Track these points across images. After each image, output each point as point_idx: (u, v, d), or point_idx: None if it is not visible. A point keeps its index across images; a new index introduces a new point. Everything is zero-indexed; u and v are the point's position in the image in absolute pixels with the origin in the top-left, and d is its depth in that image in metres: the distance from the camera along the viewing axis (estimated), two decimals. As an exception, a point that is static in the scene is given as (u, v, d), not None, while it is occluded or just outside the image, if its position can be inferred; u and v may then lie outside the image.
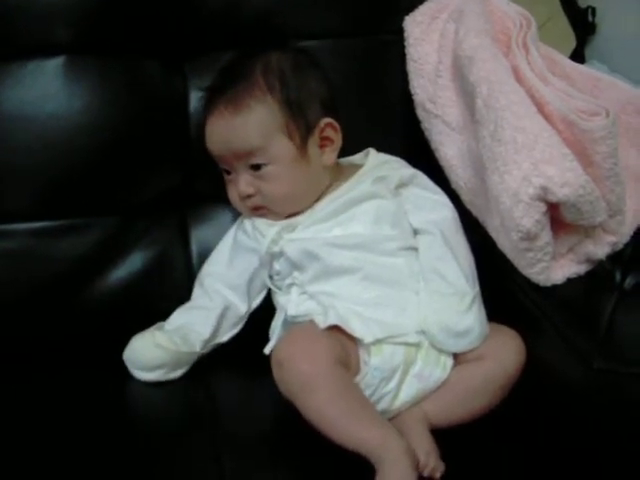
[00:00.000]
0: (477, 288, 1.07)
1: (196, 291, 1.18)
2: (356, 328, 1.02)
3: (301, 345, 0.99)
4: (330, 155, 1.14)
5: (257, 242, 1.14)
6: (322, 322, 1.02)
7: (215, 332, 1.14)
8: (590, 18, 1.45)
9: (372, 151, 1.19)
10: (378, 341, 1.02)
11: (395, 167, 1.17)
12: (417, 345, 1.04)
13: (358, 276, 1.08)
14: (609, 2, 1.47)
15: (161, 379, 1.12)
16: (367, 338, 1.01)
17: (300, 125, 1.11)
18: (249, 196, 1.12)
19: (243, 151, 1.10)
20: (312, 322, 1.03)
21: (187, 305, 1.17)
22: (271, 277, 1.14)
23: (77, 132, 1.16)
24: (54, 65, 1.14)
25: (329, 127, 1.14)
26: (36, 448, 1.00)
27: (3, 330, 1.17)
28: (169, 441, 1.03)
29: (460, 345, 1.04)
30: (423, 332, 1.05)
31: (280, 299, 1.13)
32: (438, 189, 1.16)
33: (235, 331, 1.17)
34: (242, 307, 1.16)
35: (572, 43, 1.43)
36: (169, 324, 1.15)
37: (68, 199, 1.17)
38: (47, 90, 1.15)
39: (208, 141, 1.14)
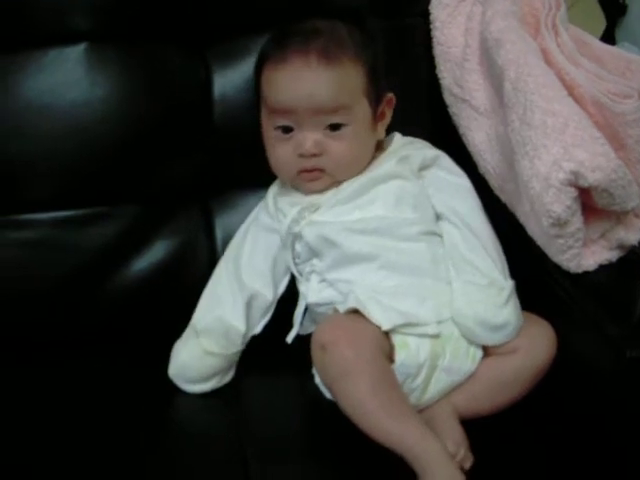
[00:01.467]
0: (511, 281, 1.05)
1: (217, 278, 1.14)
2: (375, 314, 0.99)
3: (346, 330, 0.97)
4: (382, 130, 1.14)
5: (279, 222, 1.12)
6: (341, 307, 1.01)
7: (248, 324, 1.11)
8: (620, -1, 1.42)
9: (397, 134, 1.17)
10: (397, 328, 0.99)
11: (419, 147, 1.16)
12: (439, 337, 1.01)
13: (376, 264, 1.06)
14: (640, -18, 1.44)
15: (217, 386, 1.10)
16: (385, 325, 0.98)
17: (375, 93, 1.10)
18: (313, 155, 1.08)
19: (329, 107, 1.06)
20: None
21: (210, 296, 1.13)
22: (294, 261, 1.12)
23: (99, 120, 1.15)
24: (75, 53, 1.14)
25: (389, 102, 1.13)
26: (57, 442, 1.01)
27: (26, 320, 1.17)
28: (195, 442, 1.02)
29: (496, 339, 1.02)
30: (444, 322, 1.02)
31: (301, 287, 1.11)
32: (461, 172, 1.14)
33: (265, 320, 1.13)
34: (268, 294, 1.12)
35: (602, 24, 1.40)
36: (202, 323, 1.11)
37: (90, 188, 1.17)
38: (69, 78, 1.14)
39: (281, 91, 1.07)
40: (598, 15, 1.40)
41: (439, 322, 1.02)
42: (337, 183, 1.10)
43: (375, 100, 1.11)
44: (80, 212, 1.17)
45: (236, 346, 1.10)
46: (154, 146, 1.17)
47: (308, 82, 1.06)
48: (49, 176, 1.15)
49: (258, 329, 1.13)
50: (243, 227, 1.17)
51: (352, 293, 1.02)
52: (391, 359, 0.99)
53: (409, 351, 0.99)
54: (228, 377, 1.12)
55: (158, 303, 1.20)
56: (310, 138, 1.07)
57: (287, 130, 1.08)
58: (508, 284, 1.04)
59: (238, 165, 1.19)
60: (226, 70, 1.18)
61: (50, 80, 1.13)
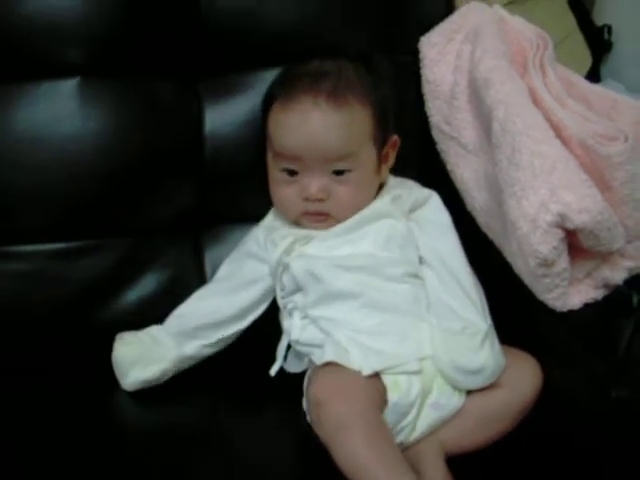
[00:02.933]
0: (489, 321, 1.05)
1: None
2: (354, 360, 0.99)
3: (339, 385, 0.97)
4: (385, 172, 1.15)
5: (268, 253, 1.12)
6: (319, 359, 1.01)
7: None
8: (606, 36, 1.44)
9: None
10: (378, 372, 1.00)
11: (410, 186, 1.16)
12: (421, 372, 1.02)
13: (359, 302, 1.06)
14: (625, 20, 1.46)
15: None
16: (365, 370, 0.98)
17: (381, 136, 1.11)
18: (318, 200, 1.08)
19: (336, 155, 1.06)
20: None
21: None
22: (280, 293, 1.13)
23: (90, 154, 1.15)
24: (69, 86, 1.14)
25: (394, 144, 1.14)
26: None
27: (14, 352, 1.17)
28: (181, 464, 1.02)
29: (474, 383, 1.03)
30: (427, 358, 1.03)
31: (284, 322, 1.11)
32: (446, 211, 1.14)
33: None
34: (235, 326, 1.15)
35: (588, 61, 1.42)
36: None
37: (82, 221, 1.17)
38: (61, 111, 1.14)
39: (287, 135, 1.06)
40: (585, 52, 1.42)
41: (421, 359, 1.03)
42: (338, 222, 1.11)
43: (381, 143, 1.11)
44: (71, 245, 1.17)
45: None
46: (145, 180, 1.18)
47: (316, 126, 1.05)
48: (40, 209, 1.15)
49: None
50: (232, 253, 1.17)
51: (331, 342, 1.03)
52: (384, 400, 0.99)
53: (401, 391, 1.00)
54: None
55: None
56: (316, 183, 1.07)
57: (292, 173, 1.09)
58: (483, 326, 1.04)
59: (228, 201, 1.20)
60: (218, 106, 1.18)
61: (43, 113, 1.14)
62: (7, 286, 1.16)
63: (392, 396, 0.99)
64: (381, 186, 1.15)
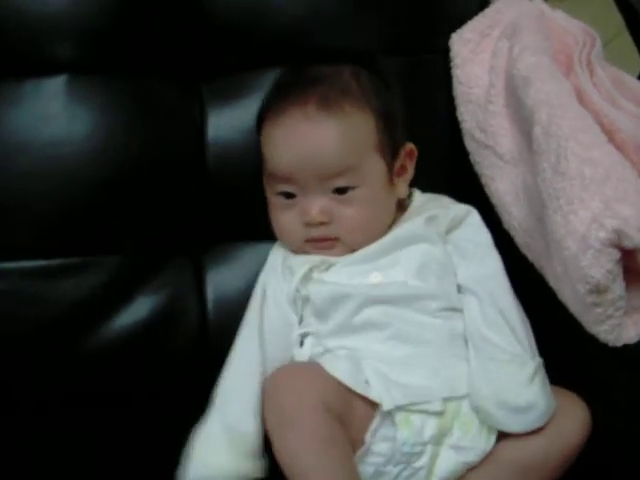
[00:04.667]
0: (538, 358, 0.93)
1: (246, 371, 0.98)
2: (374, 393, 0.89)
3: (292, 379, 0.90)
4: (403, 186, 1.03)
5: (285, 282, 1.00)
6: (329, 367, 0.91)
7: None
8: (658, 40, 1.32)
9: (416, 191, 1.07)
10: (398, 408, 0.89)
11: (445, 204, 1.05)
12: (443, 414, 0.91)
13: (386, 334, 0.95)
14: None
15: None
16: (386, 405, 0.89)
17: (390, 146, 1.00)
18: (321, 224, 0.97)
19: (333, 170, 0.95)
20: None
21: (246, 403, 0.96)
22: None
23: (79, 160, 1.04)
24: (54, 85, 1.03)
25: (410, 154, 1.03)
26: None
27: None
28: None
29: (520, 423, 0.90)
30: (454, 399, 0.92)
31: (292, 351, 0.99)
32: (487, 230, 1.03)
33: None
34: None
35: (638, 65, 1.30)
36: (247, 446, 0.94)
37: (67, 235, 1.05)
38: (46, 113, 1.03)
39: (278, 153, 0.97)
40: (634, 55, 1.31)
41: (447, 398, 0.92)
42: (353, 250, 0.99)
43: (391, 153, 1.00)
44: (53, 262, 1.05)
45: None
46: (139, 190, 1.06)
47: (307, 140, 0.95)
48: (20, 221, 1.03)
49: None
50: (254, 306, 1.02)
51: (352, 359, 0.93)
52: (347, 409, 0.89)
53: (412, 428, 0.90)
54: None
55: (141, 366, 1.07)
56: (316, 205, 0.97)
57: (290, 196, 0.98)
58: (535, 360, 0.93)
59: (232, 215, 1.08)
60: (223, 110, 1.07)
61: (25, 114, 1.02)
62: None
63: (402, 433, 0.89)
64: (401, 204, 1.04)
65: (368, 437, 0.89)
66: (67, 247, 1.05)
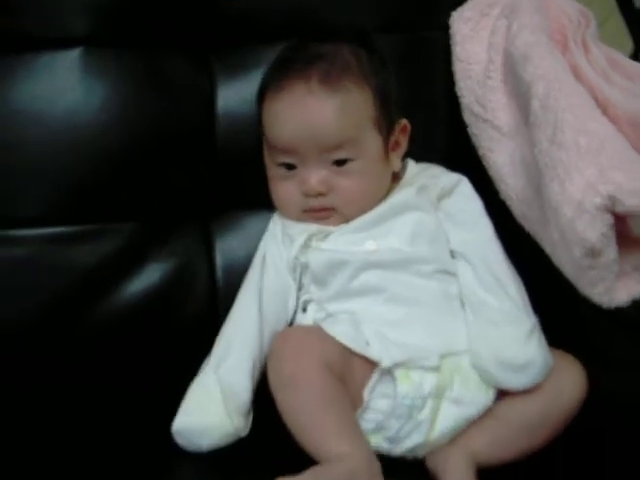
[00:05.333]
0: (534, 317, 0.97)
1: (246, 329, 1.02)
2: (374, 352, 0.94)
3: (294, 342, 0.94)
4: (397, 161, 1.07)
5: (286, 249, 1.05)
6: (330, 330, 0.95)
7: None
8: (649, 21, 1.36)
9: (410, 160, 1.11)
10: (397, 365, 0.93)
11: (436, 174, 1.09)
12: (439, 369, 0.95)
13: (383, 297, 0.99)
14: (668, 4, 1.38)
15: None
16: (385, 361, 0.93)
17: (386, 121, 1.03)
18: (320, 194, 1.01)
19: (333, 142, 0.99)
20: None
21: (240, 352, 1.00)
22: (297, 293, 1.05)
23: (93, 131, 1.08)
24: (70, 58, 1.07)
25: (403, 130, 1.07)
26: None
27: (14, 340, 1.08)
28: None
29: (519, 381, 0.94)
30: (452, 355, 0.96)
31: (296, 317, 1.04)
32: (478, 198, 1.07)
33: None
34: None
35: (629, 47, 1.34)
36: (237, 400, 0.97)
37: (82, 203, 1.09)
38: (62, 85, 1.07)
39: (280, 126, 1.01)
40: (624, 37, 1.35)
41: (444, 355, 0.95)
42: (348, 220, 1.03)
43: (386, 129, 1.04)
44: (71, 229, 1.09)
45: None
46: (151, 160, 1.10)
47: (310, 113, 0.99)
48: (37, 190, 1.07)
49: None
50: (254, 269, 1.06)
51: (351, 321, 0.97)
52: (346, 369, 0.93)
53: (411, 383, 0.94)
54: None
55: (153, 330, 1.11)
56: (315, 176, 1.01)
57: (290, 167, 1.02)
58: (530, 320, 0.97)
59: (241, 184, 1.12)
60: (232, 82, 1.11)
61: (42, 86, 1.06)
62: (3, 271, 1.08)
63: (402, 388, 0.93)
64: (395, 175, 1.08)
65: (366, 394, 0.93)
66: (82, 215, 1.09)
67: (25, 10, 1.05)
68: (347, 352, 0.94)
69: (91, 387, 1.07)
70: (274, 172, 1.05)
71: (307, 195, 1.02)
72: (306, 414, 0.89)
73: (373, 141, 1.02)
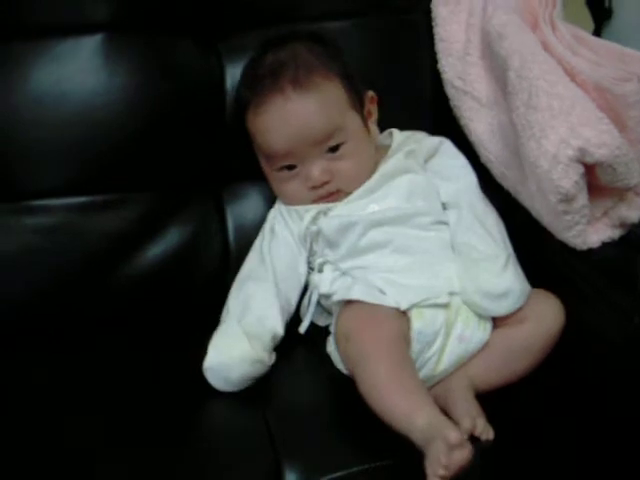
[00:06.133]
0: (510, 250, 1.09)
1: (250, 277, 1.12)
2: (390, 299, 1.02)
3: (367, 318, 1.00)
4: (374, 128, 1.17)
5: (294, 223, 1.13)
6: (345, 295, 1.04)
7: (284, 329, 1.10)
8: (607, 3, 1.47)
9: (395, 130, 1.21)
10: (414, 305, 1.03)
11: (420, 139, 1.19)
12: (449, 306, 1.05)
13: (389, 249, 1.09)
14: (625, -12, 1.49)
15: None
16: (403, 305, 1.02)
17: (357, 99, 1.14)
18: (325, 183, 1.10)
19: (324, 134, 1.08)
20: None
21: (247, 295, 1.10)
22: (308, 258, 1.15)
23: (114, 109, 1.17)
24: (93, 42, 1.16)
25: (372, 100, 1.17)
26: (69, 439, 0.99)
27: (39, 306, 1.18)
28: (216, 412, 1.05)
29: (504, 307, 1.05)
30: (455, 294, 1.06)
31: (313, 277, 1.13)
32: (461, 154, 1.18)
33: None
34: (294, 301, 1.13)
35: (590, 28, 1.45)
36: (252, 328, 1.06)
37: (104, 175, 1.19)
38: (86, 67, 1.16)
39: (271, 136, 1.09)
40: (586, 19, 1.46)
41: (450, 293, 1.06)
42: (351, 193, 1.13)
43: (359, 105, 1.14)
44: (95, 198, 1.19)
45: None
46: (168, 135, 1.20)
47: (294, 118, 1.08)
48: (63, 163, 1.17)
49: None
50: (264, 239, 1.15)
51: (364, 279, 1.05)
52: (409, 335, 1.02)
53: (425, 319, 1.03)
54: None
55: (172, 288, 1.22)
56: (316, 168, 1.10)
57: (290, 168, 1.11)
58: (504, 252, 1.07)
59: (249, 157, 1.20)
60: (238, 62, 1.20)
61: (67, 68, 1.15)
62: (30, 240, 1.17)
63: (416, 324, 1.02)
64: (383, 145, 1.18)
65: None
66: (106, 185, 1.19)
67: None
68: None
69: (118, 337, 1.17)
70: (275, 176, 1.13)
71: (314, 187, 1.11)
72: (391, 383, 0.94)
73: (354, 120, 1.13)
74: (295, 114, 1.08)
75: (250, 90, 1.12)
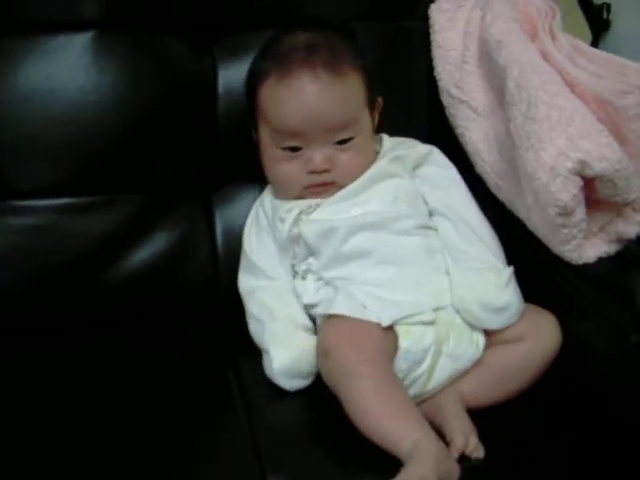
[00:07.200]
0: (510, 267, 1.07)
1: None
2: (372, 313, 1.00)
3: (348, 333, 0.97)
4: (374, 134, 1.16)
5: (277, 229, 1.11)
6: (328, 309, 1.01)
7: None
8: (605, 15, 1.46)
9: (384, 135, 1.19)
10: (397, 322, 1.00)
11: (410, 146, 1.17)
12: (434, 323, 1.02)
13: (373, 259, 1.06)
14: (623, -1, 1.48)
15: None
16: (385, 321, 0.99)
17: (372, 100, 1.12)
18: (324, 171, 1.08)
19: (340, 122, 1.07)
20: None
21: (275, 295, 1.11)
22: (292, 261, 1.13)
23: (104, 108, 1.15)
24: (83, 40, 1.14)
25: (379, 107, 1.16)
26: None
27: (25, 307, 1.16)
28: (203, 423, 1.02)
29: (499, 321, 1.04)
30: (443, 308, 1.04)
31: (297, 285, 1.11)
32: (452, 165, 1.16)
33: None
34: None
35: (588, 39, 1.44)
36: (300, 318, 1.08)
37: (92, 175, 1.17)
38: (75, 64, 1.14)
39: (287, 110, 1.06)
40: (585, 30, 1.44)
41: (436, 309, 1.03)
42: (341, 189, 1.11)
43: (371, 107, 1.13)
44: (83, 200, 1.16)
45: None
46: (158, 136, 1.18)
47: (317, 99, 1.06)
48: (51, 163, 1.15)
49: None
50: (250, 230, 1.16)
51: (347, 292, 1.03)
52: (395, 349, 1.00)
53: (412, 337, 1.00)
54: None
55: (160, 292, 1.20)
56: (320, 155, 1.08)
57: (295, 149, 1.08)
58: (507, 269, 1.06)
59: (239, 160, 1.20)
60: (231, 65, 1.19)
61: (57, 66, 1.14)
62: (16, 241, 1.15)
63: (403, 342, 1.00)
64: None
65: None
66: (95, 186, 1.17)
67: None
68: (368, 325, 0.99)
69: (106, 339, 1.14)
70: (275, 154, 1.09)
71: (312, 172, 1.08)
72: (375, 399, 0.91)
73: (366, 118, 1.11)
74: (319, 94, 1.06)
75: (276, 60, 1.08)
